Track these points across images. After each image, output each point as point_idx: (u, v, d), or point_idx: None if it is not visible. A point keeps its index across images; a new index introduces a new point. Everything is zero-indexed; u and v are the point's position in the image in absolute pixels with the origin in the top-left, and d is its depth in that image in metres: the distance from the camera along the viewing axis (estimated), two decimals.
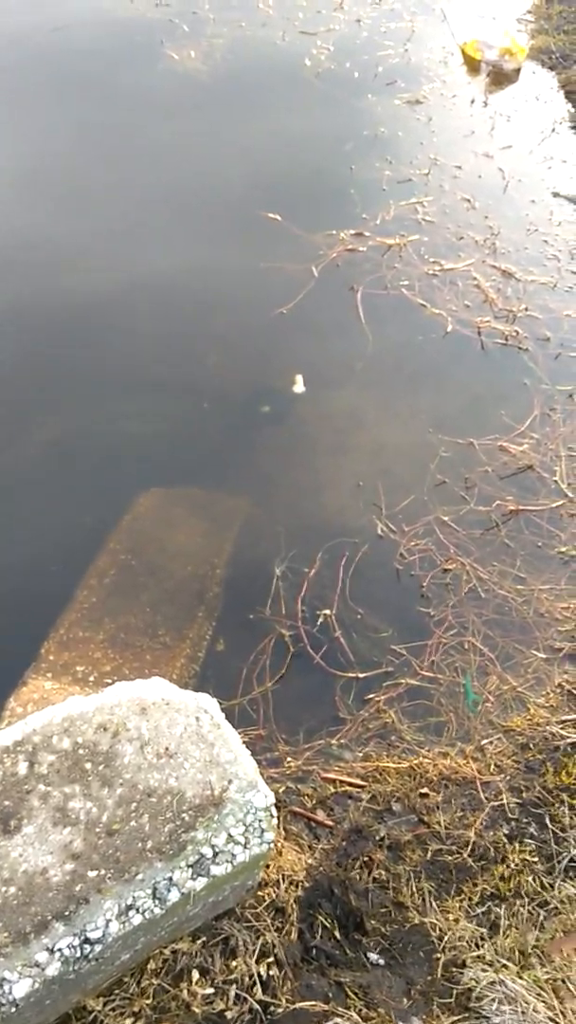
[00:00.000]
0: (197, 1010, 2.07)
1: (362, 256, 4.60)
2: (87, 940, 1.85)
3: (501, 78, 6.08)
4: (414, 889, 2.43)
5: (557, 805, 2.62)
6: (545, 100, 5.92)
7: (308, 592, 3.22)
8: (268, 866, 2.35)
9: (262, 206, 4.82)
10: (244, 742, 2.53)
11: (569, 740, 2.78)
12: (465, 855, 2.51)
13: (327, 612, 3.17)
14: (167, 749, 2.03)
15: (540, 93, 5.97)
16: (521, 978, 2.19)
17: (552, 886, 2.43)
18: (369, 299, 4.37)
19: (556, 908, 2.38)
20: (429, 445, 3.77)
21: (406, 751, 2.79)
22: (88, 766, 1.98)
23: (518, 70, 6.13)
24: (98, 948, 1.86)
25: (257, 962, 2.17)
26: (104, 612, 3.12)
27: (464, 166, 5.25)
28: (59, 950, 1.83)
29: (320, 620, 3.15)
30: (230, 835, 2.00)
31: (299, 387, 3.98)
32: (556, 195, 5.12)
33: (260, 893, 2.30)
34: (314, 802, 2.62)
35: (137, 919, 1.90)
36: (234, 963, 2.16)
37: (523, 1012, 2.10)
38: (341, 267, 4.54)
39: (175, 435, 3.80)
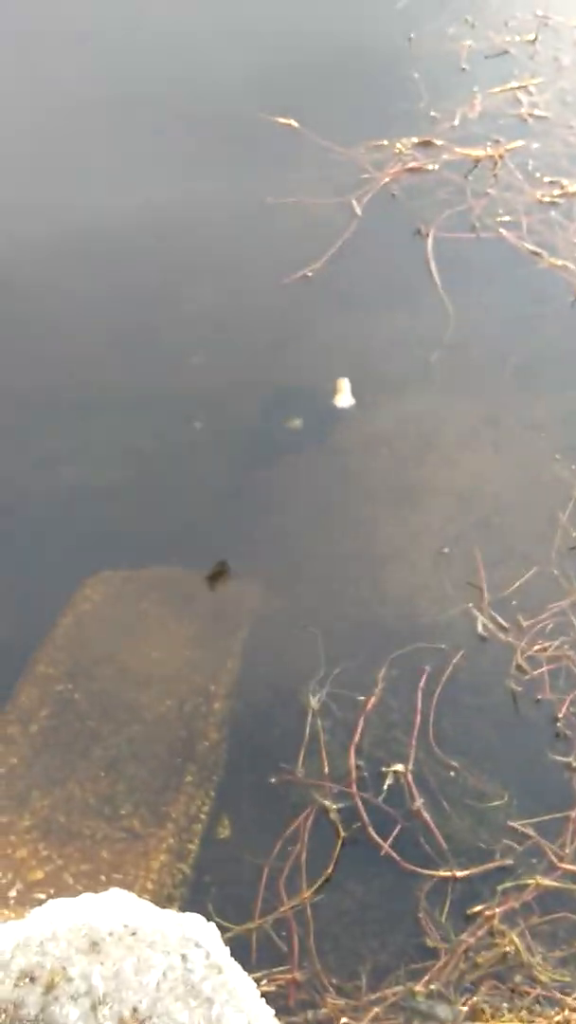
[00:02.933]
0: None
1: (433, 179, 4.71)
2: None
3: None
4: None
5: None
6: None
7: (366, 736, 3.22)
8: None
9: (270, 106, 4.98)
10: (266, 993, 2.51)
11: None
12: None
13: (399, 768, 3.16)
14: (136, 1011, 2.03)
15: None
16: None
17: None
18: (447, 248, 4.47)
19: None
20: (557, 482, 3.80)
21: (541, 1001, 2.75)
22: None
23: None
24: None
25: None
26: (31, 781, 3.14)
27: None
28: None
29: (388, 782, 3.14)
30: None
31: (344, 398, 4.05)
32: None
33: None
34: None
35: None
36: None
37: None
38: (399, 198, 4.65)
39: (141, 480, 3.88)
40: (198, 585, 3.68)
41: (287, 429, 4.03)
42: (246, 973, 2.19)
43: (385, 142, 4.85)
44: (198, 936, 2.17)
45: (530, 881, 2.98)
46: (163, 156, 4.84)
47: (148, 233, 4.56)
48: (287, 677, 3.39)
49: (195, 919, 2.20)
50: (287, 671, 3.40)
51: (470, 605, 3.51)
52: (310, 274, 4.37)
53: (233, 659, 3.46)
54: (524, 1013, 2.74)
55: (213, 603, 3.63)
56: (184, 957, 2.13)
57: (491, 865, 3.01)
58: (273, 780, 3.16)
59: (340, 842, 3.03)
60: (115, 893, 2.25)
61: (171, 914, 2.21)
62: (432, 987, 2.80)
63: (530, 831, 3.07)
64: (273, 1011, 2.17)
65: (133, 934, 2.15)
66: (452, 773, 3.17)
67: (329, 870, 2.99)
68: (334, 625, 3.49)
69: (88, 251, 4.51)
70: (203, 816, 3.11)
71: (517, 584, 3.56)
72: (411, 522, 3.75)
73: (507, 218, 4.56)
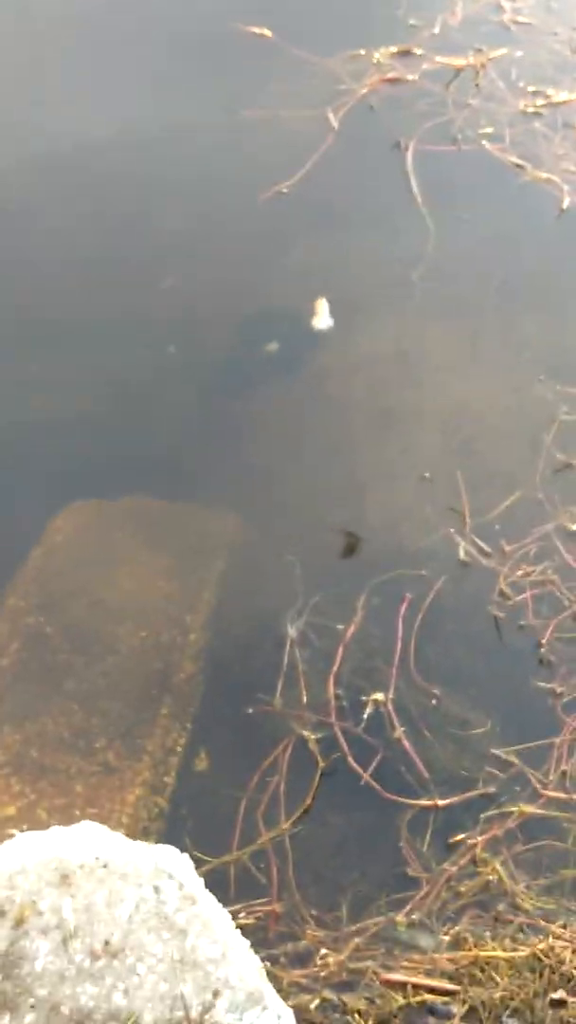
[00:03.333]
0: None
1: (412, 89, 4.64)
2: None
3: None
4: None
5: None
6: None
7: (345, 665, 3.22)
8: None
9: (243, 15, 4.88)
10: (244, 925, 2.53)
11: None
12: None
13: (379, 697, 3.16)
14: (107, 944, 2.04)
15: None
16: None
17: None
18: (428, 161, 4.41)
19: None
20: (541, 403, 3.77)
21: (525, 929, 2.77)
22: None
23: None
24: None
25: None
26: (2, 715, 3.14)
27: None
28: None
29: (368, 711, 3.14)
30: None
31: (322, 319, 4.00)
32: None
33: None
34: (370, 1023, 2.61)
35: None
36: None
37: None
38: (377, 110, 4.58)
39: (114, 407, 3.85)
40: (173, 515, 3.66)
41: (263, 352, 3.99)
42: (221, 904, 2.19)
43: (362, 52, 4.78)
44: (171, 867, 2.17)
45: (513, 809, 2.99)
46: (132, 68, 4.76)
47: (118, 150, 4.49)
48: (265, 607, 3.39)
49: (168, 850, 2.20)
50: (265, 601, 3.40)
51: (452, 530, 3.50)
52: (285, 190, 4.32)
53: (209, 590, 3.45)
54: (507, 941, 2.75)
55: (189, 533, 3.62)
56: (157, 889, 2.13)
57: (474, 793, 3.02)
58: (251, 711, 3.16)
59: (319, 772, 3.04)
60: (86, 826, 2.25)
61: (143, 846, 2.21)
62: (414, 917, 2.82)
63: (513, 758, 3.08)
64: (249, 942, 2.18)
65: (104, 866, 2.14)
66: (434, 701, 3.18)
67: (308, 801, 3.00)
68: (313, 553, 3.48)
69: (55, 170, 4.45)
70: (179, 749, 3.12)
71: (500, 508, 3.55)
72: (392, 447, 3.74)
73: (490, 130, 4.50)
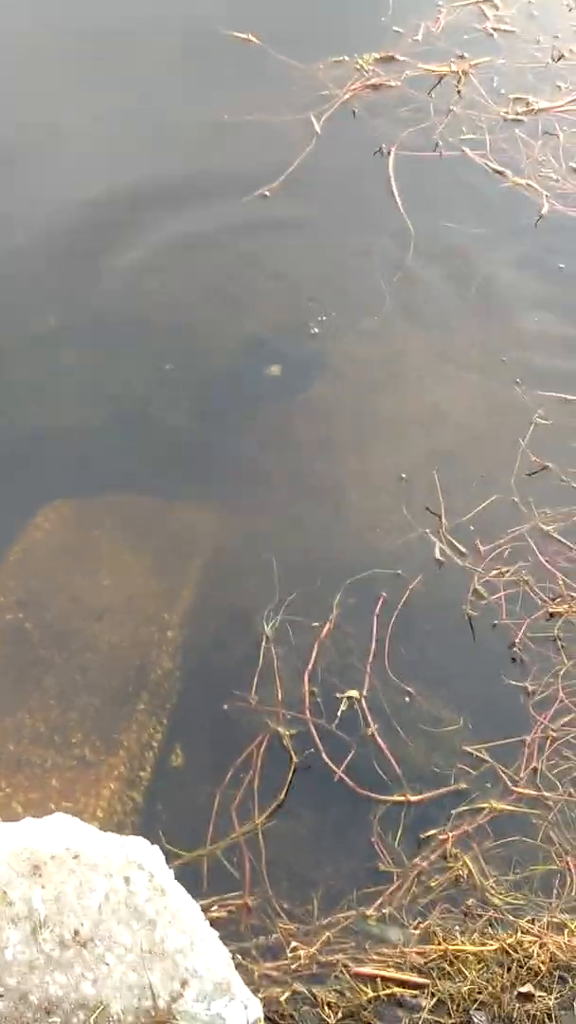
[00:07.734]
0: None
1: (395, 95, 4.66)
2: None
3: None
4: None
5: None
6: None
7: (321, 662, 3.23)
8: None
9: (226, 20, 4.89)
10: (217, 918, 2.54)
11: None
12: None
13: (353, 694, 3.17)
14: (77, 933, 2.04)
15: None
16: None
17: None
18: (409, 166, 4.42)
19: None
20: (518, 407, 3.79)
21: (494, 923, 2.78)
22: None
23: None
24: None
25: None
26: None
27: None
28: None
29: (343, 708, 3.15)
30: None
31: None
32: None
33: None
34: (340, 1016, 2.61)
35: None
36: None
37: None
38: (360, 115, 4.59)
39: (96, 410, 3.86)
40: (153, 512, 3.66)
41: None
42: (191, 896, 2.20)
43: (346, 58, 4.80)
44: (142, 858, 2.17)
45: (484, 805, 3.00)
46: (118, 71, 4.75)
47: (101, 151, 4.48)
48: (242, 605, 3.39)
49: (138, 842, 2.21)
50: (243, 598, 3.40)
51: (428, 531, 3.51)
52: (268, 193, 4.32)
53: (188, 587, 3.45)
54: (476, 936, 2.77)
55: (168, 531, 3.61)
56: (127, 879, 2.13)
57: (445, 790, 3.03)
58: (226, 707, 3.17)
59: (293, 768, 3.04)
60: (58, 817, 2.25)
61: (114, 837, 2.22)
62: (384, 911, 2.83)
63: (485, 755, 3.09)
64: (220, 935, 2.19)
65: (75, 857, 2.15)
66: (407, 698, 3.18)
67: (282, 796, 3.00)
68: (290, 552, 3.49)
69: (40, 173, 4.42)
70: (155, 744, 3.12)
71: (476, 510, 3.56)
72: (368, 449, 3.75)
73: (471, 136, 4.53)
